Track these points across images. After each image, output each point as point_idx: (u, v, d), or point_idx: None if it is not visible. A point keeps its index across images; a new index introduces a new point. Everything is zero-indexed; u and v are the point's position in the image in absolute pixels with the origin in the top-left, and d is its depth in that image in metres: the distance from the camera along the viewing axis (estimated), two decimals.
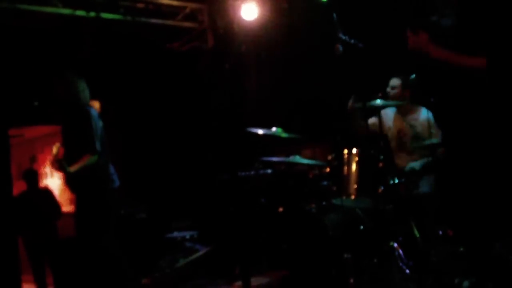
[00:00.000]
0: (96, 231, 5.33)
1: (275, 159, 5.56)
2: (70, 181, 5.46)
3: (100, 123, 5.42)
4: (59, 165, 5.17)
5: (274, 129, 5.14)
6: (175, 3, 7.61)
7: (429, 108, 5.51)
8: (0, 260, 5.94)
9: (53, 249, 7.33)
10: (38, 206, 7.50)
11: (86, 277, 5.55)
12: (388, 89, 5.64)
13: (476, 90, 3.81)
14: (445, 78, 3.90)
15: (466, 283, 4.18)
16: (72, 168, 5.17)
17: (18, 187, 7.66)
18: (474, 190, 3.95)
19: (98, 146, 5.27)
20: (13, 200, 6.54)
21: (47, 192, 7.87)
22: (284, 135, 5.15)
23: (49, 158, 5.34)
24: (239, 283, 5.47)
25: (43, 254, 7.42)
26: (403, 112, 5.70)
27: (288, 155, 5.25)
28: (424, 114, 5.57)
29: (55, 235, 7.51)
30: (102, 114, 5.69)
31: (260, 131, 5.10)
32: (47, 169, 9.90)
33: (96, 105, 5.84)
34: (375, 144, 4.76)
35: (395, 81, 5.63)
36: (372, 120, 5.35)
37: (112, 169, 5.52)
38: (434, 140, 5.06)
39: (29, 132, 9.70)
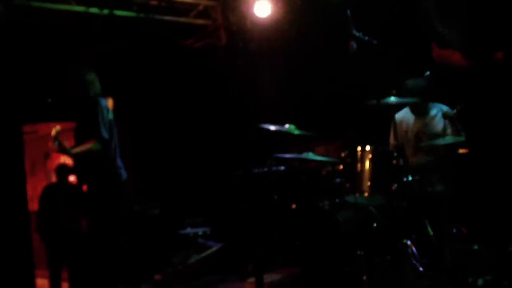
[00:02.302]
0: (106, 223, 5.37)
1: (288, 156, 5.55)
2: (78, 169, 5.51)
3: (110, 115, 5.45)
4: (58, 146, 5.19)
5: (287, 126, 5.12)
6: (188, 0, 7.61)
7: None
8: (13, 254, 5.96)
9: (73, 244, 7.32)
10: (64, 200, 7.50)
11: (98, 271, 5.57)
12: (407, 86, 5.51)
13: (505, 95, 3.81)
14: (473, 85, 3.91)
15: (480, 281, 4.16)
16: (74, 150, 5.20)
17: (31, 183, 7.69)
18: (493, 189, 3.94)
19: (104, 133, 5.27)
20: (25, 193, 6.55)
21: (77, 187, 7.83)
22: (296, 132, 5.13)
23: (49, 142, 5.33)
24: (251, 279, 5.46)
25: (63, 249, 7.41)
26: (418, 111, 5.63)
27: (301, 152, 5.24)
28: (439, 112, 5.53)
29: (78, 230, 7.49)
30: (115, 110, 5.71)
31: (272, 127, 5.09)
32: None
33: (109, 102, 5.87)
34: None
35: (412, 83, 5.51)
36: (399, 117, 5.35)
37: (119, 162, 5.54)
38: (449, 139, 5.02)
39: (43, 128, 9.74)
